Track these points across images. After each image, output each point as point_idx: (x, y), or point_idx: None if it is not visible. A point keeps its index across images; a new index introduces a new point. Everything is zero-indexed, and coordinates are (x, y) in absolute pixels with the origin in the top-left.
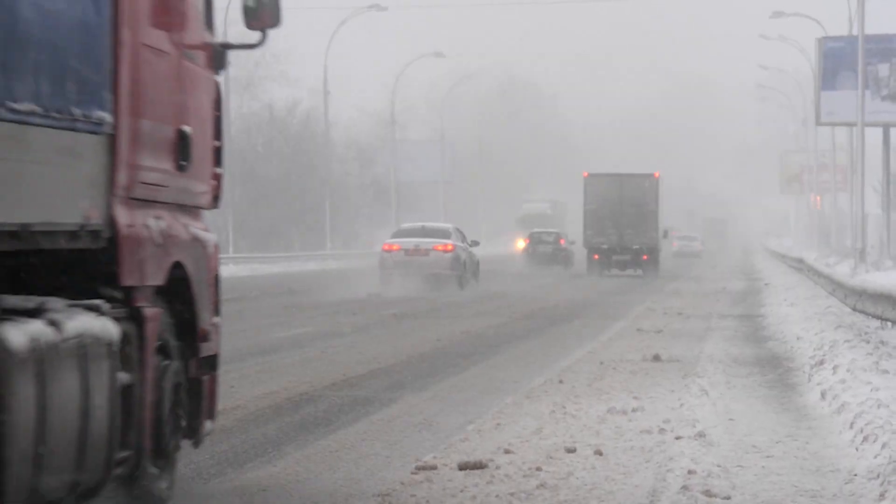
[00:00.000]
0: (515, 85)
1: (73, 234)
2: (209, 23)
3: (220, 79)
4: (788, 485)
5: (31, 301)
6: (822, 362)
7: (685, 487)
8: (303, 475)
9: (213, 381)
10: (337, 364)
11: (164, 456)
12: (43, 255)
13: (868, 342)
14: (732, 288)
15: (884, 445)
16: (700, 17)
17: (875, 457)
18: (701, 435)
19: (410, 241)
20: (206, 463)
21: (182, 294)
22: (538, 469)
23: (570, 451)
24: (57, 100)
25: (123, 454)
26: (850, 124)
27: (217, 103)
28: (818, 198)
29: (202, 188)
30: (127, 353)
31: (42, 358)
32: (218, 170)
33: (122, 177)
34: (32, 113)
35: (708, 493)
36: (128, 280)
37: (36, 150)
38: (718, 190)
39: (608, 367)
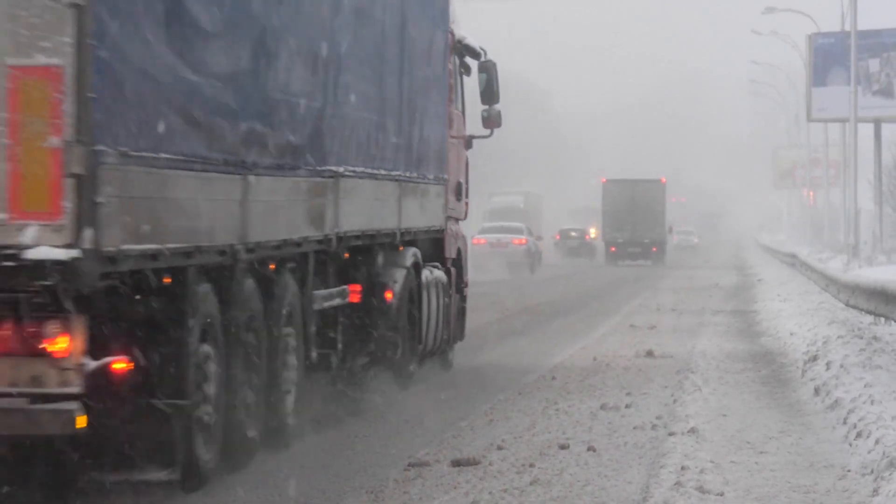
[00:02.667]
0: (507, 79)
1: (437, 232)
2: (464, 122)
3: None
4: (782, 481)
5: (422, 261)
6: (815, 358)
7: (678, 483)
8: (298, 472)
9: (466, 309)
10: None
11: (453, 341)
12: (422, 241)
13: (861, 338)
14: (725, 283)
15: (877, 441)
16: (693, 12)
17: (868, 452)
18: (694, 431)
19: (493, 237)
20: None
21: (458, 262)
22: (531, 465)
23: (563, 447)
24: (437, 171)
25: (444, 336)
26: (842, 120)
27: (467, 165)
28: (811, 193)
29: (462, 209)
30: (446, 289)
31: (429, 285)
32: (466, 199)
33: (446, 205)
34: (431, 179)
35: (701, 489)
36: (447, 254)
37: (430, 195)
38: (709, 183)
39: (601, 363)
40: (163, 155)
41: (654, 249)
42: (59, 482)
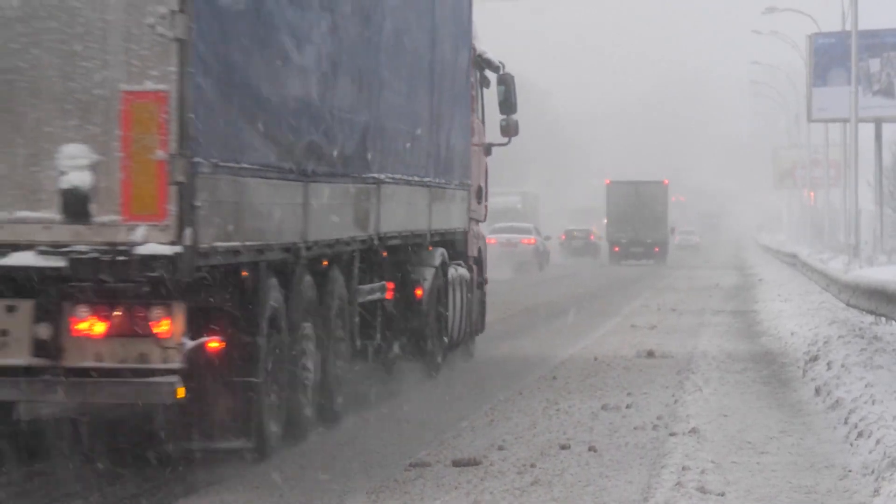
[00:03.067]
0: None
1: (461, 233)
2: (484, 131)
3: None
4: (783, 481)
5: (448, 260)
6: (816, 358)
7: (679, 483)
8: (298, 472)
9: (485, 304)
10: None
11: (475, 334)
12: (448, 241)
13: (862, 338)
14: (726, 283)
15: (878, 441)
16: (693, 12)
17: (869, 452)
18: (695, 431)
19: (503, 237)
20: None
21: (479, 260)
22: (532, 465)
23: (564, 447)
24: (461, 177)
25: (467, 329)
26: (842, 120)
27: (486, 170)
28: (811, 193)
29: (482, 211)
30: (469, 285)
31: (455, 282)
32: (486, 202)
33: (469, 208)
34: (456, 184)
35: (702, 490)
36: (469, 252)
37: (456, 198)
38: (709, 183)
39: (602, 362)
40: (244, 165)
41: (657, 249)
42: (150, 447)
